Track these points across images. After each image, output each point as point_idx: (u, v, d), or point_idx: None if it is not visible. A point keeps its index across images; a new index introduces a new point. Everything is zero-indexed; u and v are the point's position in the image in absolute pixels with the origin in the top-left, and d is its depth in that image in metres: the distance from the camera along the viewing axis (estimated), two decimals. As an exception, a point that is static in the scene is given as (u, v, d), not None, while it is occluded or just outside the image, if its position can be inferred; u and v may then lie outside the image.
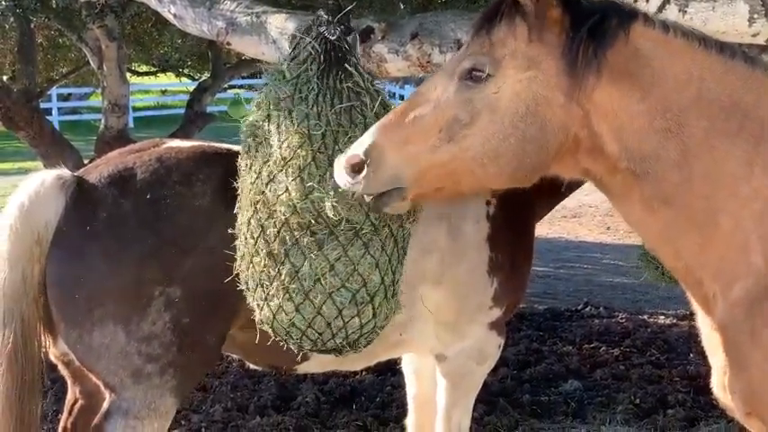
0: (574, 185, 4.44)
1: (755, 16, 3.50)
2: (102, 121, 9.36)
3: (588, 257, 12.46)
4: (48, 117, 14.71)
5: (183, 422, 6.21)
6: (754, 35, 3.53)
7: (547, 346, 8.09)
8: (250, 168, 3.35)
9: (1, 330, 3.61)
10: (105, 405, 3.70)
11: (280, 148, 3.24)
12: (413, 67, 4.40)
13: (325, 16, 3.38)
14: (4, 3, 8.13)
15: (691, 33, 2.75)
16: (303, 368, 4.19)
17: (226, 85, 13.56)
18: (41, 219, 3.61)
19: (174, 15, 5.47)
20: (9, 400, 3.63)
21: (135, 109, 28.59)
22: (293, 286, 3.28)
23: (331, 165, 3.07)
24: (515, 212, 4.29)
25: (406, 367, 4.71)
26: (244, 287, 3.44)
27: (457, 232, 4.14)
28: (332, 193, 3.11)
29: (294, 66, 3.34)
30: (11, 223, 3.60)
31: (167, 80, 26.04)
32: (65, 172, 3.75)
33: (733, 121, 2.68)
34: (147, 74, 16.41)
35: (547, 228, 13.17)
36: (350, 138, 3.15)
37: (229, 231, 3.47)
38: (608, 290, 10.56)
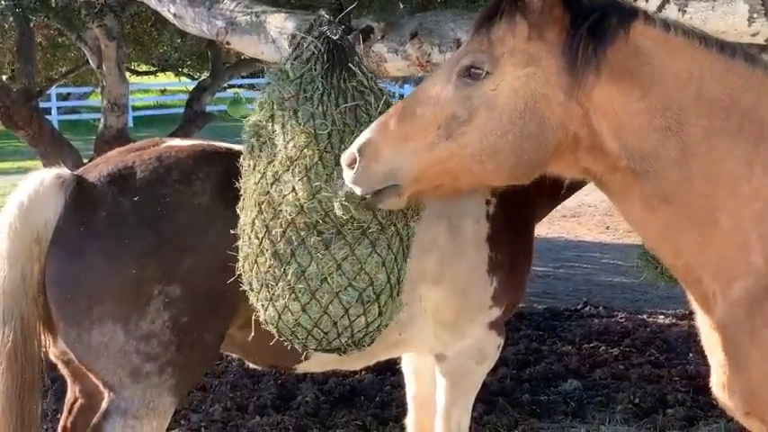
0: (574, 186, 4.45)
1: (755, 16, 3.50)
2: (102, 120, 9.36)
3: (588, 257, 12.46)
4: (47, 116, 14.74)
5: (182, 422, 6.21)
6: (753, 35, 3.53)
7: (546, 345, 8.09)
8: (254, 168, 3.35)
9: (1, 329, 3.61)
10: (104, 404, 3.70)
11: (285, 147, 3.24)
12: (412, 67, 4.40)
13: (326, 16, 3.38)
14: (3, 2, 8.13)
15: (691, 32, 2.75)
16: (303, 367, 4.19)
17: (225, 85, 13.57)
18: (41, 217, 3.61)
19: (174, 15, 5.47)
20: (9, 399, 3.63)
21: (134, 108, 28.58)
22: (300, 286, 3.28)
23: (338, 164, 3.08)
24: (515, 212, 4.29)
25: (406, 367, 4.71)
26: (247, 287, 3.44)
27: (457, 231, 4.14)
28: (340, 192, 3.12)
29: (297, 65, 3.34)
30: (10, 222, 3.61)
31: (167, 79, 26.07)
32: (64, 171, 3.75)
33: (733, 120, 2.68)
34: (146, 73, 16.41)
35: (546, 227, 13.17)
36: (356, 137, 3.16)
37: (232, 232, 3.47)
38: (607, 289, 10.56)
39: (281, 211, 3.25)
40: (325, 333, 3.35)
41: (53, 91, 24.89)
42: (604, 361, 7.61)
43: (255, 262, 3.35)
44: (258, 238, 3.32)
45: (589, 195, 12.93)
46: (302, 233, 3.25)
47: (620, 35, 2.68)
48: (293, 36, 4.47)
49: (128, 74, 10.80)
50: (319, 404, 6.53)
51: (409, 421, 4.70)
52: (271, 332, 3.46)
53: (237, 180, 3.48)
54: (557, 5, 2.69)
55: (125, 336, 3.60)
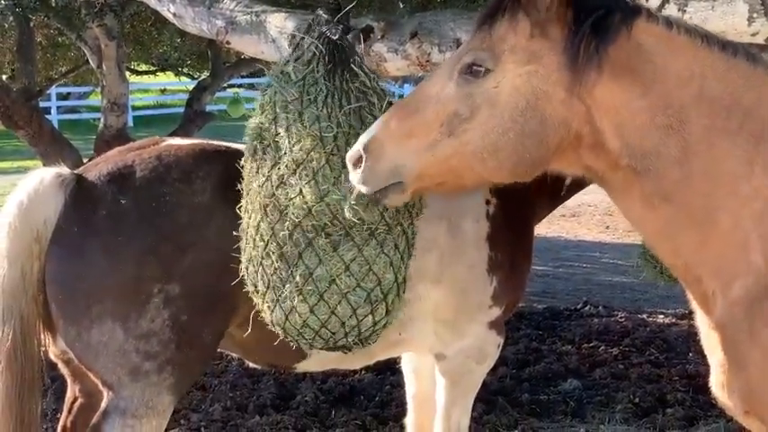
0: (575, 187, 4.48)
1: (755, 15, 3.50)
2: (102, 119, 9.36)
3: (587, 256, 12.46)
4: (47, 116, 14.76)
5: (182, 421, 6.21)
6: (753, 34, 3.53)
7: (546, 345, 8.09)
8: (257, 171, 3.34)
9: (0, 328, 3.61)
10: (103, 404, 3.70)
11: (291, 151, 3.24)
12: (412, 67, 4.40)
13: (325, 16, 3.38)
14: (3, 2, 8.14)
15: (694, 30, 2.75)
16: (302, 367, 4.20)
17: (225, 84, 13.56)
18: (40, 216, 3.61)
19: (174, 14, 5.48)
20: (9, 398, 3.63)
21: (134, 108, 28.59)
22: (308, 288, 3.29)
23: (344, 167, 3.10)
24: (515, 212, 4.29)
25: (406, 366, 4.71)
26: (251, 289, 3.45)
27: (456, 231, 4.14)
28: (350, 195, 3.13)
29: (299, 67, 3.33)
30: (10, 221, 3.61)
31: (167, 79, 26.05)
32: (64, 170, 3.76)
33: (734, 119, 2.68)
34: (146, 73, 16.41)
35: (546, 227, 13.17)
36: None
37: (234, 234, 3.47)
38: (607, 289, 10.57)
39: (287, 213, 3.26)
40: (333, 333, 3.36)
41: (53, 90, 24.88)
42: (604, 360, 7.61)
43: (261, 264, 3.35)
44: (264, 241, 3.32)
45: (589, 195, 12.92)
46: (309, 235, 3.25)
47: (622, 32, 2.68)
48: (292, 36, 4.47)
49: (128, 73, 10.79)
50: (319, 404, 6.53)
51: (409, 421, 4.70)
52: (274, 332, 3.46)
53: (238, 179, 3.48)
54: (560, 3, 2.69)
55: (124, 334, 3.60)
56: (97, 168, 3.80)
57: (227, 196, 3.60)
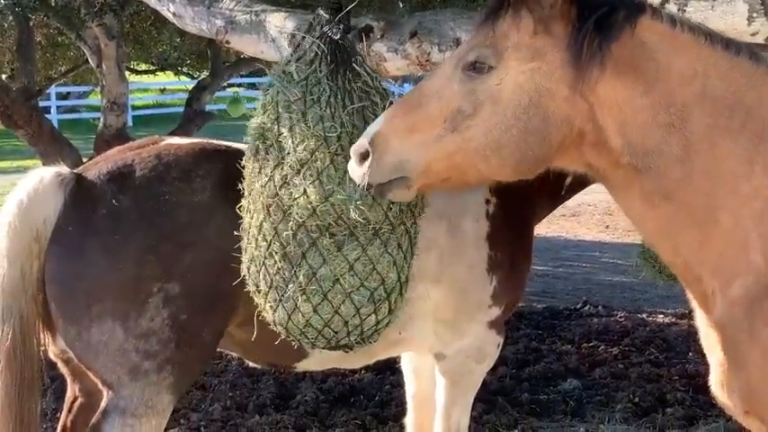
0: (575, 187, 4.47)
1: (754, 15, 3.50)
2: (101, 119, 9.37)
3: (587, 256, 12.46)
4: (46, 115, 14.74)
5: (182, 421, 6.21)
6: (753, 34, 3.53)
7: (546, 344, 8.09)
8: (259, 171, 3.34)
9: (0, 327, 3.61)
10: (103, 403, 3.69)
11: (295, 150, 3.24)
12: (412, 66, 4.40)
13: (326, 16, 3.38)
14: (3, 1, 8.12)
15: (697, 28, 2.75)
16: (302, 366, 4.20)
17: (225, 84, 13.56)
18: (40, 215, 3.61)
19: (174, 14, 5.48)
20: (8, 397, 3.63)
21: (134, 107, 28.57)
22: (311, 287, 3.29)
23: None
24: (515, 211, 4.29)
25: (405, 366, 4.71)
26: (253, 289, 3.44)
27: (456, 230, 4.14)
28: (355, 195, 3.13)
29: (301, 66, 3.33)
30: (9, 220, 3.60)
31: (166, 79, 26.06)
32: (64, 169, 3.75)
33: (736, 118, 2.68)
34: (146, 72, 16.41)
35: (546, 226, 13.17)
36: None
37: (235, 234, 3.47)
38: (607, 288, 10.57)
39: (290, 213, 3.26)
40: (336, 332, 3.36)
41: (53, 90, 24.88)
42: (604, 360, 7.61)
43: (263, 264, 3.35)
44: (267, 241, 3.32)
45: (588, 195, 12.93)
46: (313, 235, 3.26)
47: (626, 30, 2.68)
48: (293, 36, 4.47)
49: (127, 73, 10.80)
50: (319, 403, 6.53)
51: (409, 420, 4.70)
52: (275, 332, 3.46)
53: (238, 178, 3.48)
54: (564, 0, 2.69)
55: (124, 333, 3.60)
56: (97, 167, 3.80)
57: (227, 195, 3.60)
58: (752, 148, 2.66)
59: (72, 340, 3.66)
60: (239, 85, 26.07)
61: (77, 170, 3.85)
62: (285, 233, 3.28)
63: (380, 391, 6.76)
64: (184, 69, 14.91)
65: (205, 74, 12.17)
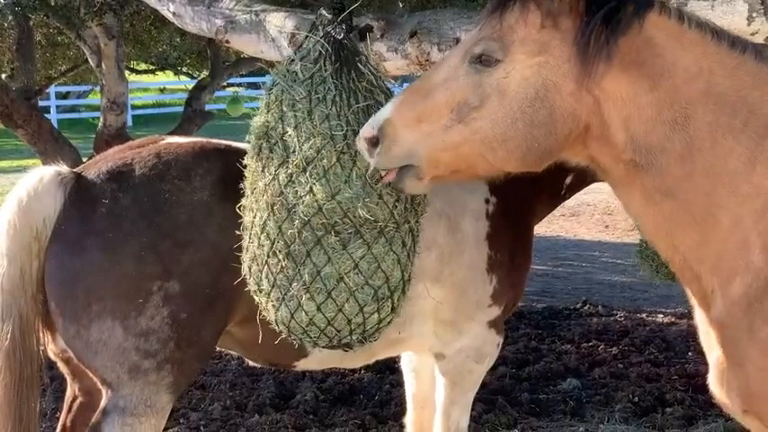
0: (575, 187, 4.48)
1: (754, 15, 3.50)
2: (101, 119, 9.38)
3: (587, 256, 12.47)
4: (46, 115, 14.72)
5: (181, 420, 6.21)
6: (752, 34, 3.53)
7: (545, 344, 8.09)
8: (263, 170, 3.34)
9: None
10: (103, 403, 3.69)
11: (301, 149, 3.24)
12: (412, 66, 4.41)
13: (328, 15, 3.38)
14: (3, 1, 8.13)
15: (705, 25, 2.74)
16: (302, 365, 4.19)
17: (224, 83, 13.57)
18: (40, 215, 3.61)
19: (173, 13, 5.48)
20: (7, 396, 3.63)
21: (133, 107, 28.59)
22: (315, 286, 3.29)
23: (355, 165, 3.13)
24: (515, 211, 4.29)
25: (405, 366, 4.71)
26: (254, 288, 3.44)
27: (456, 230, 4.14)
28: (363, 192, 3.14)
29: (306, 65, 3.34)
30: (9, 219, 3.60)
31: (166, 78, 26.03)
32: (63, 168, 3.75)
33: (739, 117, 2.67)
34: (145, 72, 16.43)
35: (545, 226, 13.18)
36: None
37: (234, 232, 3.47)
38: (606, 288, 10.57)
39: (295, 212, 3.25)
40: (338, 331, 3.36)
41: (52, 89, 24.86)
42: (603, 360, 7.61)
43: (266, 263, 3.35)
44: (270, 240, 3.31)
45: (588, 195, 12.96)
46: (319, 233, 3.26)
47: (633, 25, 2.68)
48: (293, 35, 4.48)
49: (127, 72, 10.81)
50: (318, 403, 6.53)
51: (408, 420, 4.71)
52: (275, 330, 3.46)
53: (238, 177, 3.48)
54: None
55: (124, 332, 3.60)
56: (96, 167, 3.80)
57: (226, 194, 3.60)
58: (753, 146, 2.66)
59: (71, 339, 3.66)
60: (239, 85, 26.08)
61: (77, 169, 3.85)
62: (290, 231, 3.28)
63: (380, 390, 6.76)
64: (184, 69, 14.92)
65: (205, 73, 12.17)
